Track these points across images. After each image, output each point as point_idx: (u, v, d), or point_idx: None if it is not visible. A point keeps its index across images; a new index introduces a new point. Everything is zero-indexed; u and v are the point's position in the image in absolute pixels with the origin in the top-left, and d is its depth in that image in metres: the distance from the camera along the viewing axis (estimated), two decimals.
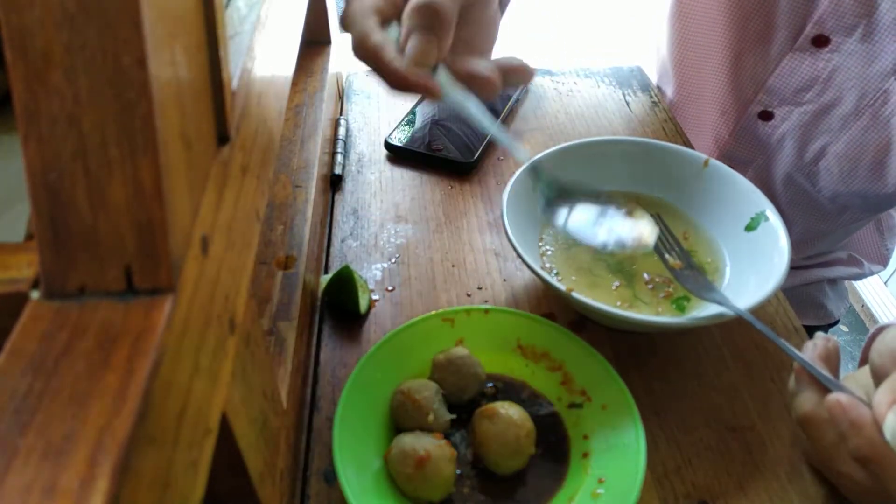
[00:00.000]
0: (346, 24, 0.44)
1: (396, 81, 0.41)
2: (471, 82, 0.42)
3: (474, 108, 0.42)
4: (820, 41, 0.63)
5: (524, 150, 0.44)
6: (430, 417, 0.42)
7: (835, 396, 0.37)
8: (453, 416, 0.44)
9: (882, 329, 0.40)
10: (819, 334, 0.44)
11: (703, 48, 0.74)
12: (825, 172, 0.70)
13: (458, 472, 0.42)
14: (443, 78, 0.42)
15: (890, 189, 0.67)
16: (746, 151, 0.74)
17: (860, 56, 0.62)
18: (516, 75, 0.44)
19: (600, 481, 0.41)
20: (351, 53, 0.44)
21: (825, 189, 0.71)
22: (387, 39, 0.42)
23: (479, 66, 0.42)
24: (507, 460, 0.41)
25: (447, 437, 0.43)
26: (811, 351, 0.42)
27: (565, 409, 0.46)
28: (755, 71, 0.70)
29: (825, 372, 0.40)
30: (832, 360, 0.42)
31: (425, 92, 0.41)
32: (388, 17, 0.43)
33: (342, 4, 0.46)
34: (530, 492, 0.42)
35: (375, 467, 0.41)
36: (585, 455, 0.43)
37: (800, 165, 0.71)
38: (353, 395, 0.43)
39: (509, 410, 0.42)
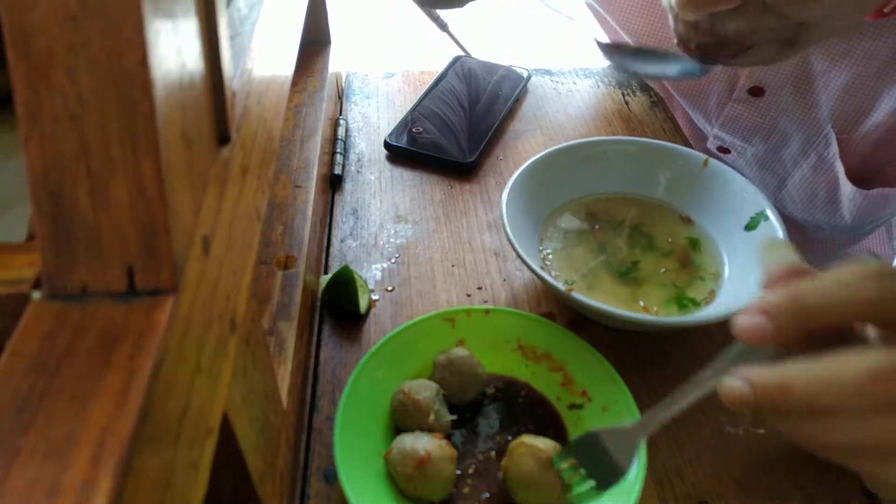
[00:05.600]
0: None
1: None
2: None
3: None
4: (756, 91, 0.64)
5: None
6: (431, 418, 0.42)
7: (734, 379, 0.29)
8: (454, 417, 0.44)
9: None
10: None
11: (664, 88, 0.78)
12: (789, 201, 0.71)
13: (458, 471, 0.42)
14: None
15: (847, 222, 0.68)
16: None
17: (797, 104, 0.63)
18: None
19: None
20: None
21: (796, 214, 0.72)
22: None
23: None
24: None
25: (448, 437, 0.43)
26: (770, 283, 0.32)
27: (566, 410, 0.46)
28: (703, 116, 0.71)
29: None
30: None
31: None
32: None
33: None
34: None
35: (376, 467, 0.41)
36: None
37: (767, 193, 0.72)
38: (353, 396, 0.43)
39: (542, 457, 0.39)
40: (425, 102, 0.75)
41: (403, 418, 0.43)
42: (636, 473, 0.40)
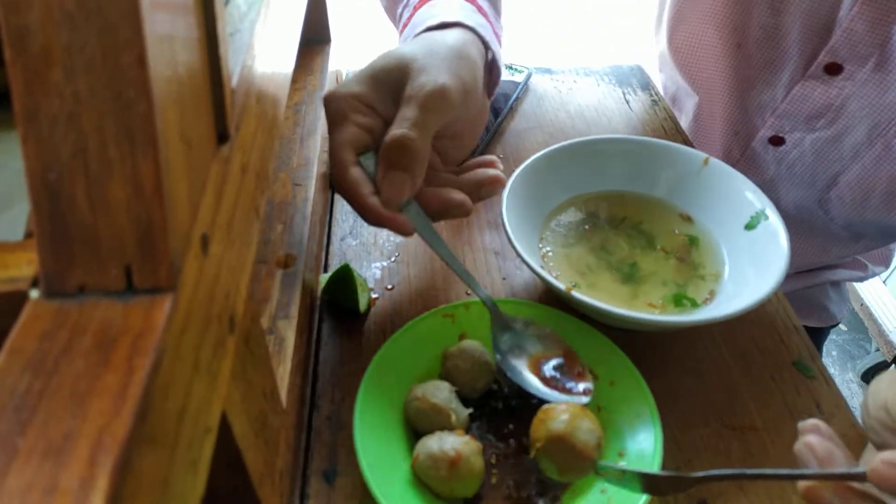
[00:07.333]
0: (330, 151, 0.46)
1: (372, 218, 0.44)
2: (445, 210, 0.46)
3: (442, 247, 0.46)
4: (833, 69, 0.62)
5: (484, 290, 0.47)
6: (453, 418, 0.42)
7: (876, 461, 0.28)
8: (470, 411, 0.44)
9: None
10: (801, 427, 0.33)
11: (711, 73, 0.74)
12: (837, 201, 0.69)
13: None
14: (414, 212, 0.45)
15: None
16: (757, 175, 0.73)
17: (873, 85, 0.61)
18: (489, 188, 0.48)
19: (620, 454, 0.42)
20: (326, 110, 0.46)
21: (838, 218, 0.70)
22: (362, 175, 0.44)
23: (451, 193, 0.46)
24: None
25: (467, 431, 0.43)
26: (811, 459, 0.32)
27: None
28: (767, 95, 0.69)
29: (844, 465, 0.31)
30: (836, 450, 0.32)
31: (398, 230, 0.44)
32: (365, 147, 0.45)
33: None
34: None
35: (402, 474, 0.41)
36: (602, 430, 0.43)
37: (811, 193, 0.70)
38: (367, 404, 0.43)
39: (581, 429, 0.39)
40: None
41: (422, 423, 0.42)
42: (654, 443, 0.41)
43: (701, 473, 0.35)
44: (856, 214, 0.69)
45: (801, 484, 0.31)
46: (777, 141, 0.69)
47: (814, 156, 0.68)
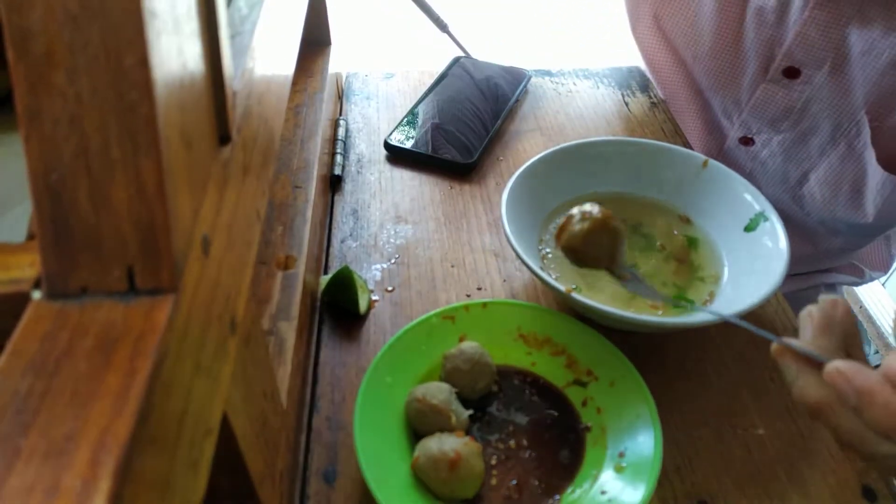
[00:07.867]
0: None
1: None
2: None
3: None
4: (791, 73, 0.63)
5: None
6: (453, 419, 0.42)
7: (833, 365, 0.31)
8: (470, 412, 0.44)
9: None
10: (822, 299, 0.35)
11: (680, 79, 0.76)
12: (809, 198, 0.70)
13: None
14: None
15: (869, 219, 0.67)
16: (737, 171, 0.74)
17: (830, 88, 0.62)
18: None
19: (621, 455, 0.42)
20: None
21: (813, 214, 0.71)
22: None
23: None
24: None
25: (467, 432, 0.43)
26: (808, 324, 0.35)
27: (573, 390, 0.46)
28: (730, 100, 0.70)
29: (812, 348, 0.33)
30: (837, 328, 0.34)
31: None
32: None
33: None
34: (555, 471, 0.42)
35: (402, 475, 0.41)
36: (602, 431, 0.44)
37: (786, 189, 0.72)
38: (367, 405, 0.43)
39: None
40: (440, 98, 0.75)
41: (422, 424, 0.43)
42: (654, 443, 0.41)
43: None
44: (827, 212, 0.70)
45: (775, 345, 0.35)
46: (747, 141, 0.71)
47: (783, 155, 0.69)
